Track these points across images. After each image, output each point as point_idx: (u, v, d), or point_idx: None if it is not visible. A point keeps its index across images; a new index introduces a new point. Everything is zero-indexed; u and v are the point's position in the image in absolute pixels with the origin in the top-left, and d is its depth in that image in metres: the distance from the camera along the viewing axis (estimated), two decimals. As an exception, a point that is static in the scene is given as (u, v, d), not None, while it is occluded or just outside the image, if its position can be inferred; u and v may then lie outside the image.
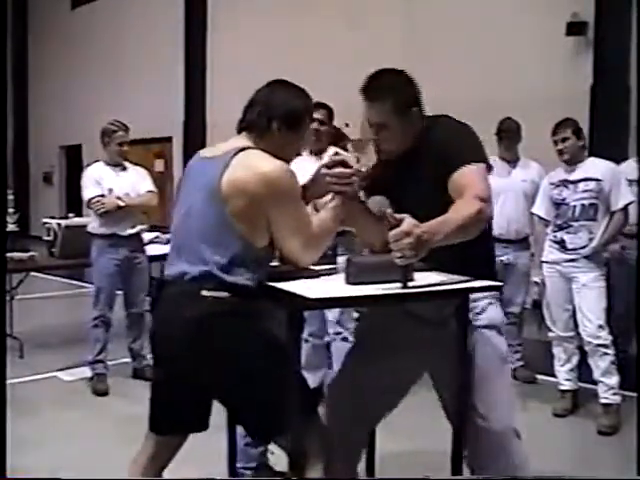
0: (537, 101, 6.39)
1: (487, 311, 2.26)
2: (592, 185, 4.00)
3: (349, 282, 2.02)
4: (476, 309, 2.24)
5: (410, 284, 1.95)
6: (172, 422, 2.17)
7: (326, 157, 2.35)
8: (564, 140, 4.05)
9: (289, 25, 9.35)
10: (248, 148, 2.07)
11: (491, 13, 7.19)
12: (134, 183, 4.66)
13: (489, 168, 2.19)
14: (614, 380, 3.92)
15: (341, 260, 2.26)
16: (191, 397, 2.11)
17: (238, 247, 2.00)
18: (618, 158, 4.57)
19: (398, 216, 1.86)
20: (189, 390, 2.10)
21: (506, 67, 6.99)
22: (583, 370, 4.17)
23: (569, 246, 4.04)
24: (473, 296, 2.18)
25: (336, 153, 2.28)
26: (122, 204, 4.49)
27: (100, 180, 4.53)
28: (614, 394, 3.92)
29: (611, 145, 5.69)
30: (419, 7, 7.92)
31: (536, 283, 4.28)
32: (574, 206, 4.03)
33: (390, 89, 2.19)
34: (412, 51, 7.71)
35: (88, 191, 4.51)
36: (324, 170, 2.20)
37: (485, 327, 2.25)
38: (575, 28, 6.60)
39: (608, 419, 3.88)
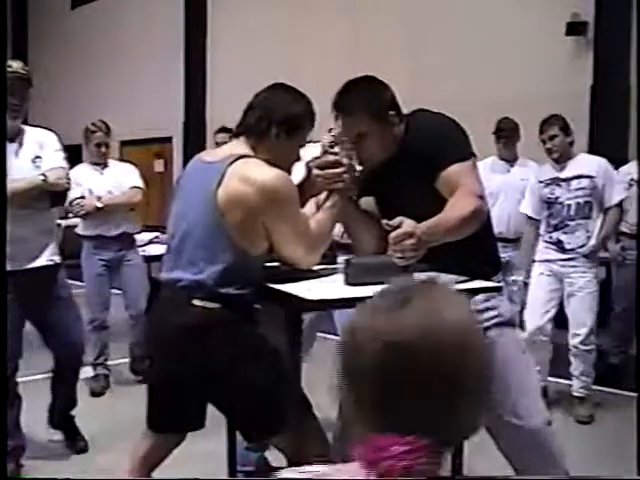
0: (537, 101, 6.37)
1: (498, 308, 2.25)
2: (585, 182, 3.93)
3: (348, 283, 2.02)
4: (487, 309, 2.22)
5: (410, 285, 1.94)
6: (168, 420, 2.18)
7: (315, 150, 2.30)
8: (552, 138, 3.96)
9: (289, 25, 9.34)
10: (245, 156, 2.05)
11: (491, 13, 7.18)
12: (118, 180, 4.58)
13: (474, 156, 2.18)
14: (591, 378, 3.95)
15: (341, 260, 2.25)
16: (184, 398, 2.12)
17: (233, 257, 1.99)
18: (618, 158, 4.56)
19: (392, 222, 1.85)
20: (181, 391, 2.10)
21: (506, 67, 6.98)
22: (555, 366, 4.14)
23: (567, 246, 3.97)
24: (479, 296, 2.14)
25: (326, 152, 2.24)
26: (100, 205, 4.40)
27: (80, 181, 4.43)
28: (588, 389, 3.94)
29: (611, 145, 5.69)
30: (419, 7, 7.91)
31: (514, 282, 4.23)
32: (569, 205, 3.95)
33: (365, 97, 2.17)
34: (412, 51, 7.70)
35: (70, 193, 4.46)
36: (316, 171, 2.19)
37: (500, 324, 2.24)
38: (575, 28, 6.58)
39: (584, 409, 3.89)
